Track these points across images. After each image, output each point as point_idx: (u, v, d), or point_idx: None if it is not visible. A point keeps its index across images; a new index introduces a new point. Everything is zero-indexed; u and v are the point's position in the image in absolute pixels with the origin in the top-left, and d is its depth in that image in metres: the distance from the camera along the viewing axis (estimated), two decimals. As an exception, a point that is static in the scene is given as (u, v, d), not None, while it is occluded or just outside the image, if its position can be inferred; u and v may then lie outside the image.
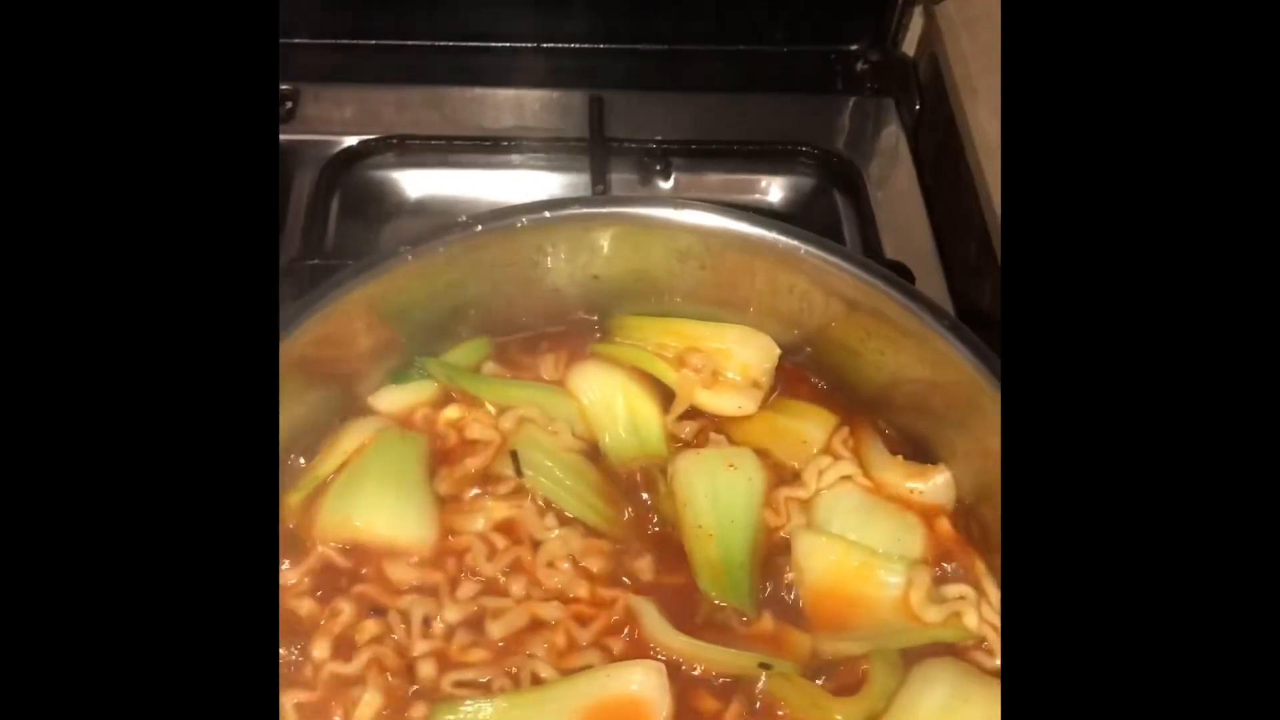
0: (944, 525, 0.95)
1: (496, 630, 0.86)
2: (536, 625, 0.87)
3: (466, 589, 0.89)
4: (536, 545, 0.91)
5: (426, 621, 0.87)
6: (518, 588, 0.89)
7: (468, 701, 0.81)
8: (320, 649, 0.85)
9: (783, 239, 0.94)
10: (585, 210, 0.96)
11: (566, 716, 0.81)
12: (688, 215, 0.96)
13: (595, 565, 0.91)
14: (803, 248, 0.94)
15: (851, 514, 0.94)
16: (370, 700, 0.83)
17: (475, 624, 0.88)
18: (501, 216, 0.94)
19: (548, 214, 0.95)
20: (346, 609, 0.87)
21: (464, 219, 0.93)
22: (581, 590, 0.89)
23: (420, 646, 0.86)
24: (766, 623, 0.89)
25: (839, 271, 0.94)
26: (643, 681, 0.82)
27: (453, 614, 0.88)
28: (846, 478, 0.97)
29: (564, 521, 0.93)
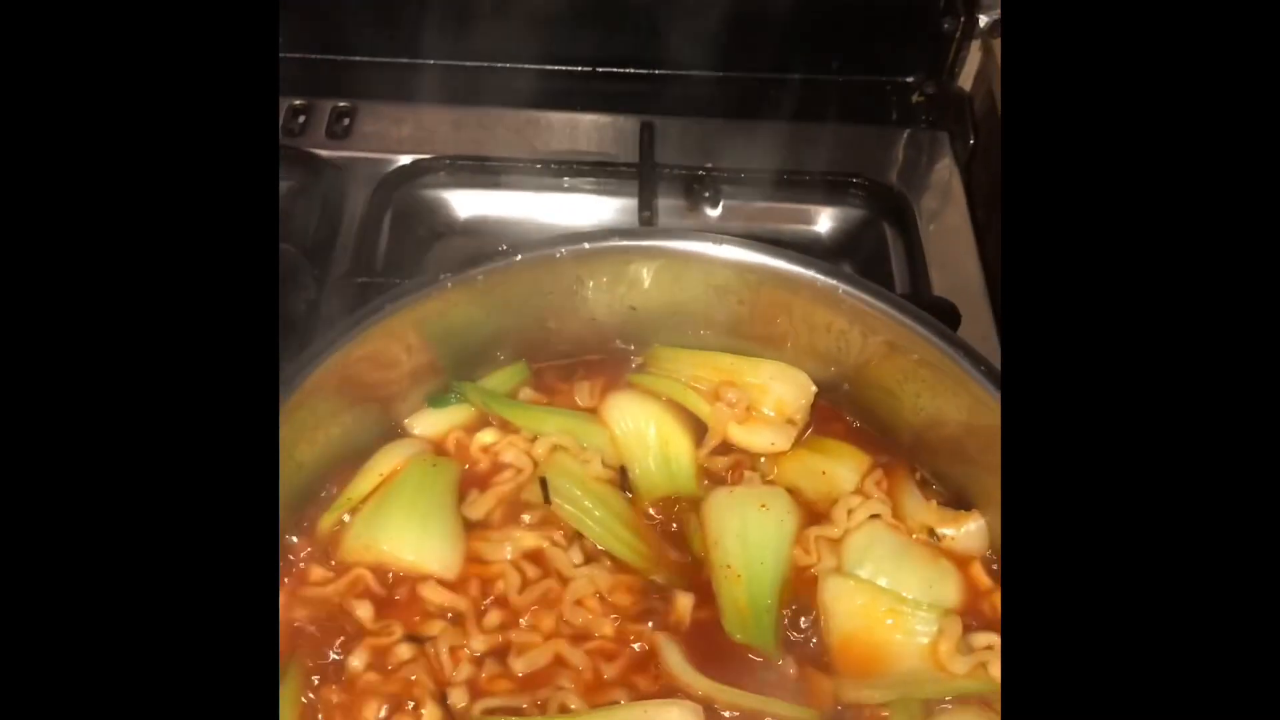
0: (978, 573, 0.94)
1: (520, 665, 0.87)
2: (561, 662, 0.88)
3: (493, 618, 0.89)
4: (565, 580, 0.91)
5: (454, 652, 0.88)
6: (546, 622, 0.89)
7: None
8: (359, 658, 0.86)
9: (821, 278, 0.93)
10: (624, 243, 0.97)
11: None
12: (726, 251, 0.96)
13: (621, 600, 0.91)
14: (841, 287, 0.93)
15: (885, 558, 0.93)
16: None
17: (501, 654, 0.88)
18: (541, 247, 0.95)
19: (586, 245, 0.95)
20: (398, 630, 0.88)
21: (503, 248, 0.94)
22: (607, 629, 0.89)
23: (453, 673, 0.87)
24: (791, 666, 0.89)
25: (878, 313, 0.93)
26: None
27: (480, 644, 0.88)
28: (876, 516, 0.96)
29: (590, 556, 0.93)
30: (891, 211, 1.40)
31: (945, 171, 1.47)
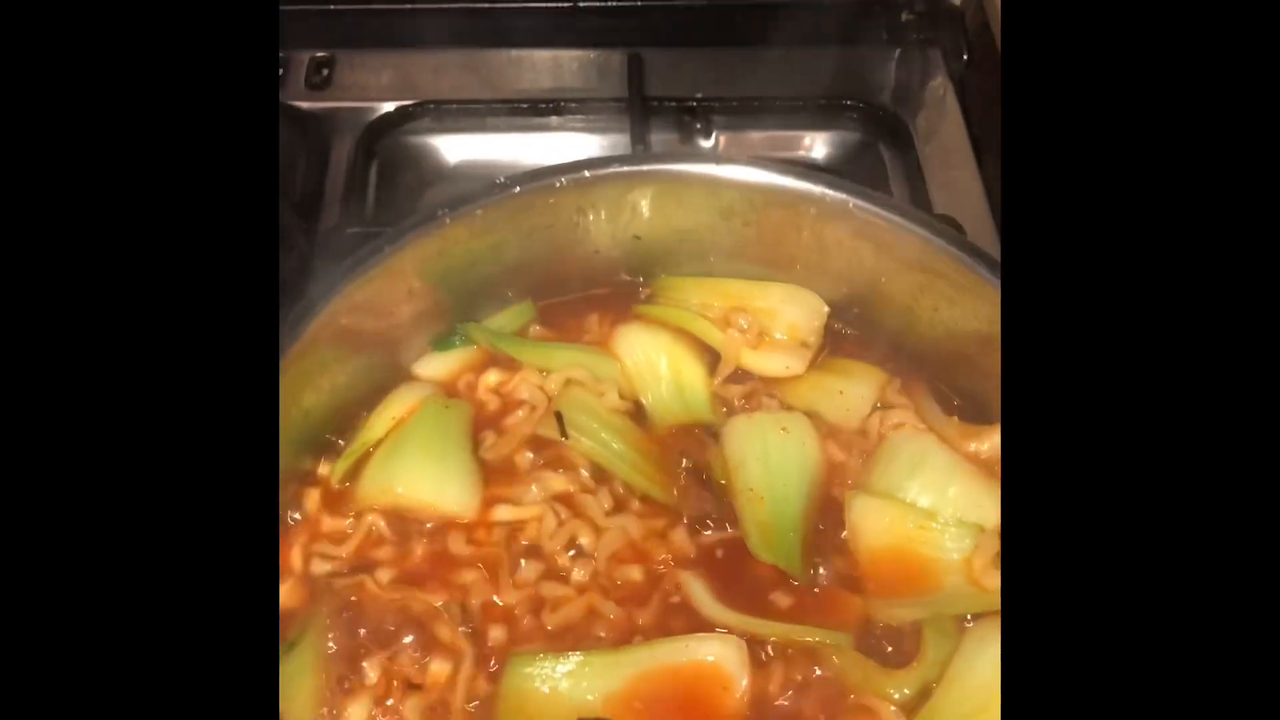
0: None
1: (553, 620, 0.85)
2: (594, 612, 0.86)
3: (529, 571, 0.87)
4: (598, 530, 0.89)
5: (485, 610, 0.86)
6: (578, 574, 0.87)
7: (543, 655, 0.80)
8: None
9: (830, 192, 0.91)
10: (625, 169, 0.94)
11: (641, 676, 0.79)
12: (730, 171, 0.93)
13: (653, 546, 0.89)
14: (851, 201, 0.91)
15: (933, 472, 0.90)
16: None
17: (536, 609, 0.86)
18: (540, 177, 0.92)
19: (587, 173, 0.93)
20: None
21: (502, 180, 0.92)
22: (637, 575, 0.87)
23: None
24: (819, 586, 0.87)
25: (890, 225, 0.91)
26: (721, 654, 0.81)
27: (511, 597, 0.86)
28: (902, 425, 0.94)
29: (619, 501, 0.91)
30: (888, 133, 1.38)
31: (939, 89, 1.45)
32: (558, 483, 0.91)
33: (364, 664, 0.81)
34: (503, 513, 0.90)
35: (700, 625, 0.84)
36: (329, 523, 0.90)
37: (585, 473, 0.92)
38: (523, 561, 0.88)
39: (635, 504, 0.91)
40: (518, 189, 0.92)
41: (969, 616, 0.85)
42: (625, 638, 0.84)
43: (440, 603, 0.84)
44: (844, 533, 0.89)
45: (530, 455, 0.93)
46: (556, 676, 0.79)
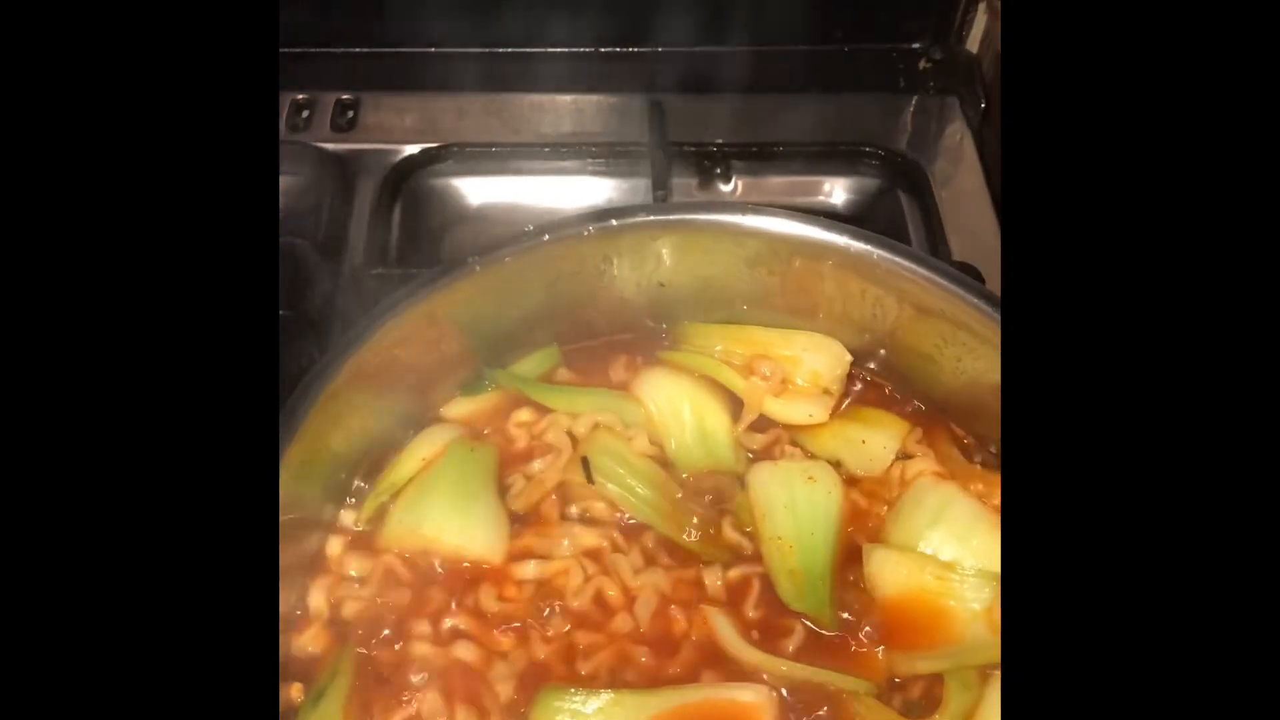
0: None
1: (586, 668, 0.85)
2: (626, 659, 0.87)
3: (558, 624, 0.88)
4: (630, 594, 0.90)
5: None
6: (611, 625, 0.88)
7: (574, 690, 0.81)
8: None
9: (854, 243, 0.92)
10: (651, 218, 0.95)
11: (674, 715, 0.80)
12: (755, 220, 0.94)
13: (682, 594, 0.90)
14: (875, 252, 0.92)
15: (956, 523, 0.90)
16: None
17: (568, 657, 0.87)
18: (567, 226, 0.94)
19: (614, 222, 0.94)
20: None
21: (530, 228, 0.93)
22: (668, 622, 0.88)
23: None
24: (842, 637, 0.88)
25: (913, 276, 0.92)
26: (752, 700, 0.82)
27: (542, 652, 0.87)
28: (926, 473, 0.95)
29: (649, 556, 0.92)
30: (906, 179, 1.39)
31: (957, 136, 1.46)
32: (588, 538, 0.91)
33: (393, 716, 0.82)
34: (529, 569, 0.90)
35: (727, 666, 0.85)
36: (354, 565, 0.91)
37: (616, 533, 0.92)
38: (546, 612, 0.88)
39: (664, 558, 0.92)
40: (546, 237, 0.93)
41: (992, 667, 0.85)
42: (656, 682, 0.85)
43: (471, 655, 0.85)
44: (863, 584, 0.90)
45: (559, 503, 0.94)
46: (586, 713, 0.80)
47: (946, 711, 0.82)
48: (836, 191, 1.42)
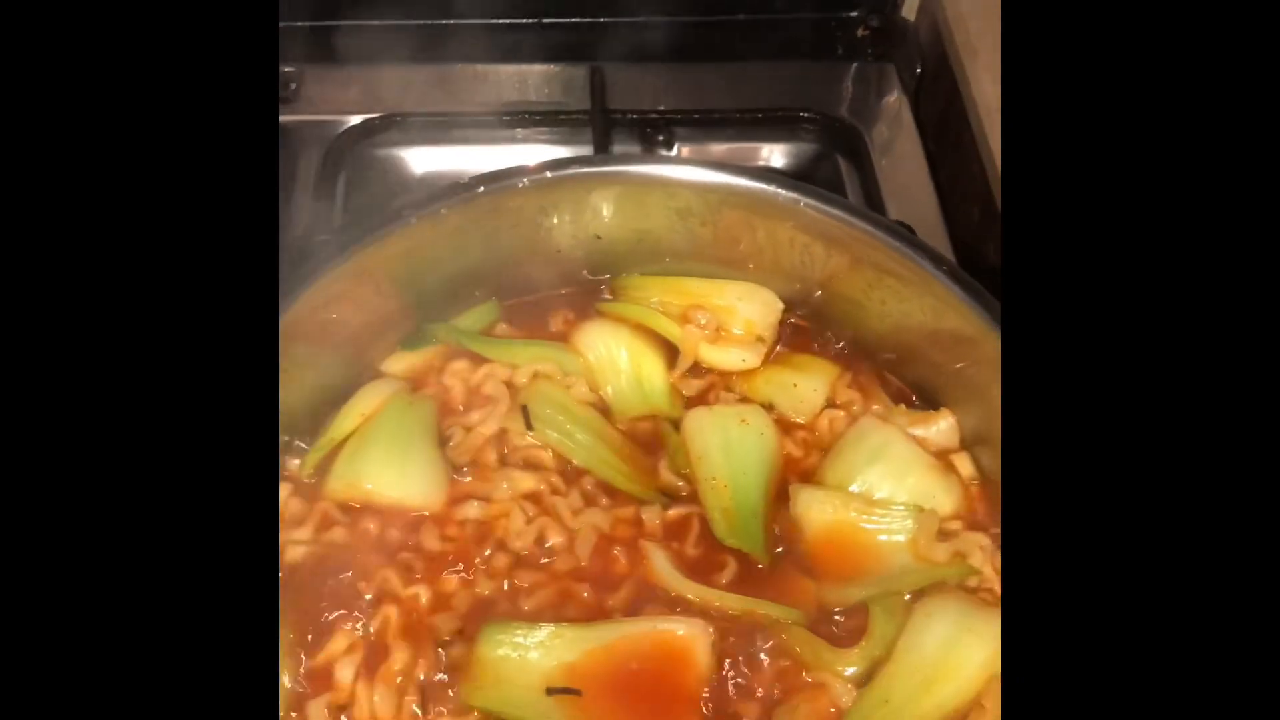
0: (962, 464, 0.96)
1: (529, 605, 0.87)
2: (568, 595, 0.88)
3: (499, 561, 0.89)
4: (570, 533, 0.91)
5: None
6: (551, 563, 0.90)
7: (515, 624, 0.83)
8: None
9: (783, 192, 0.95)
10: (586, 170, 0.97)
11: (609, 648, 0.82)
12: (686, 172, 0.97)
13: (622, 533, 0.92)
14: (803, 200, 0.94)
15: (893, 461, 0.94)
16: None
17: (512, 596, 0.89)
18: (503, 178, 0.95)
19: (549, 174, 0.96)
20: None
21: (466, 180, 0.94)
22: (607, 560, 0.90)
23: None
24: (775, 571, 0.90)
25: (840, 224, 0.94)
26: (687, 632, 0.84)
27: (486, 588, 0.88)
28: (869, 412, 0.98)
29: (588, 497, 0.93)
30: (844, 144, 1.42)
31: (894, 103, 1.49)
32: (527, 482, 0.93)
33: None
34: (471, 510, 0.92)
35: (668, 602, 0.87)
36: (298, 508, 0.91)
37: (555, 477, 0.94)
38: (488, 551, 0.90)
39: (603, 500, 0.94)
40: (481, 189, 0.94)
41: (913, 594, 0.88)
42: (596, 617, 0.87)
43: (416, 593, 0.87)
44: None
45: (498, 453, 0.95)
46: (527, 645, 0.82)
47: (872, 638, 0.85)
48: (775, 156, 1.45)
